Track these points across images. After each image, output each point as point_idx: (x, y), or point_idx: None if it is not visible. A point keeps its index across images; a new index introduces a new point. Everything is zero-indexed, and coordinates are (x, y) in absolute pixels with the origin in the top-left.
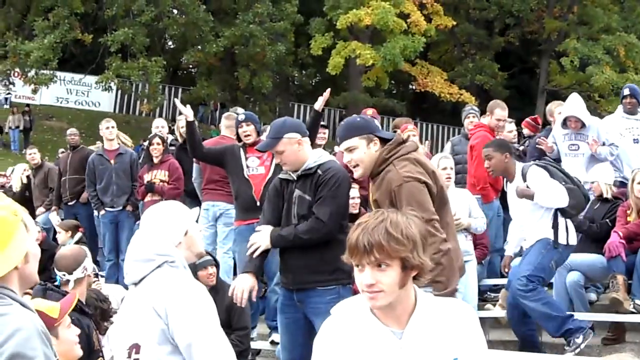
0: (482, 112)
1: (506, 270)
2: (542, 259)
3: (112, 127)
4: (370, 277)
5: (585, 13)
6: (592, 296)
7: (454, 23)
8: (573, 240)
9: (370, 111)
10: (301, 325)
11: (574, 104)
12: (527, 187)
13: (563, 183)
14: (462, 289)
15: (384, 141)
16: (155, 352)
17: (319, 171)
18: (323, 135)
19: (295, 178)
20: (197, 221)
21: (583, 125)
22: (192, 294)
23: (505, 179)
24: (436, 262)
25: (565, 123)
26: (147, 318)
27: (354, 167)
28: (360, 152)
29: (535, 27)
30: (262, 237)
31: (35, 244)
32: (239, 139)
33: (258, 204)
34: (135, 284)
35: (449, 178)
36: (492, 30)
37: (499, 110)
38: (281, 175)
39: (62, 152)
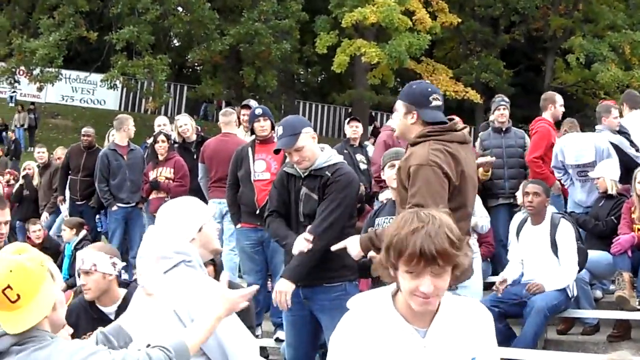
0: (487, 109)
1: (499, 294)
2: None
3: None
4: (430, 284)
5: (591, 10)
6: (598, 293)
7: (459, 20)
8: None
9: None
10: (307, 322)
11: (579, 152)
12: (555, 242)
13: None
14: (469, 285)
15: (428, 123)
16: None
17: (328, 173)
18: (356, 129)
19: (302, 175)
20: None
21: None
22: (213, 295)
23: (530, 219)
24: None
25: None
26: (166, 321)
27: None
28: (397, 117)
29: (541, 24)
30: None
31: (61, 292)
32: (253, 132)
33: (258, 211)
34: (150, 283)
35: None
36: (497, 27)
37: (559, 97)
38: (287, 169)
39: (73, 146)
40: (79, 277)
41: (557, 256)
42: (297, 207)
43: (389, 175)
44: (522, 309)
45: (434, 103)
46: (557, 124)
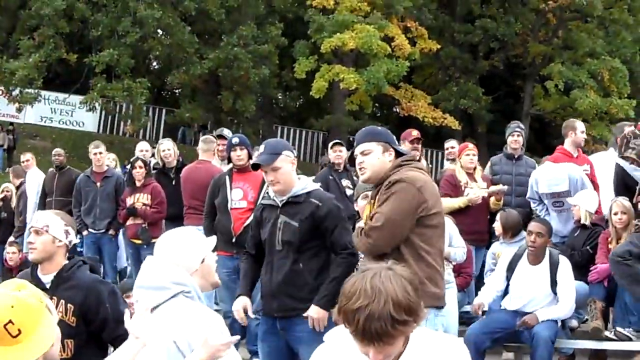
0: (465, 135)
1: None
2: None
3: (100, 152)
4: (377, 353)
5: (570, 37)
6: (574, 322)
7: (439, 46)
8: None
9: (415, 132)
10: (284, 354)
11: (552, 181)
12: (556, 281)
13: None
14: (445, 316)
15: (399, 155)
16: None
17: (314, 200)
18: (340, 153)
19: (280, 204)
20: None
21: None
22: (212, 325)
23: (526, 256)
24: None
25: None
26: (165, 351)
27: (361, 169)
28: (374, 157)
29: (520, 51)
30: (317, 314)
31: (57, 328)
32: (230, 161)
33: (234, 240)
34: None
35: None
36: (476, 54)
37: (579, 124)
38: (263, 201)
39: (47, 174)
40: (29, 235)
41: (554, 293)
42: (274, 235)
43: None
44: (514, 336)
45: (396, 140)
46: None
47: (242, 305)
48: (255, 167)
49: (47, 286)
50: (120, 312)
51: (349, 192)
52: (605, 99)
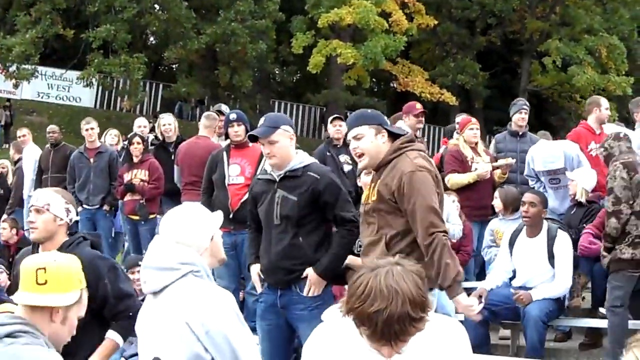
0: (462, 111)
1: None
2: None
3: (92, 128)
4: (391, 351)
5: (568, 14)
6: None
7: (436, 22)
8: None
9: (419, 105)
10: (283, 331)
11: (548, 158)
12: (553, 254)
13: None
14: (436, 294)
15: (392, 136)
16: None
17: (311, 173)
18: (339, 128)
19: (277, 179)
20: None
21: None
22: (225, 305)
23: (525, 230)
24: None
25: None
26: (177, 333)
27: (359, 156)
28: (367, 141)
29: (518, 27)
30: (314, 278)
31: (76, 319)
32: (227, 137)
33: (232, 216)
34: (155, 294)
35: None
36: (474, 29)
37: (604, 101)
38: (260, 176)
39: (43, 151)
40: (30, 214)
41: (552, 267)
42: (271, 210)
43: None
44: (514, 314)
45: (387, 121)
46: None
47: (256, 272)
48: (253, 139)
49: None
50: (121, 289)
51: (346, 167)
52: (603, 75)
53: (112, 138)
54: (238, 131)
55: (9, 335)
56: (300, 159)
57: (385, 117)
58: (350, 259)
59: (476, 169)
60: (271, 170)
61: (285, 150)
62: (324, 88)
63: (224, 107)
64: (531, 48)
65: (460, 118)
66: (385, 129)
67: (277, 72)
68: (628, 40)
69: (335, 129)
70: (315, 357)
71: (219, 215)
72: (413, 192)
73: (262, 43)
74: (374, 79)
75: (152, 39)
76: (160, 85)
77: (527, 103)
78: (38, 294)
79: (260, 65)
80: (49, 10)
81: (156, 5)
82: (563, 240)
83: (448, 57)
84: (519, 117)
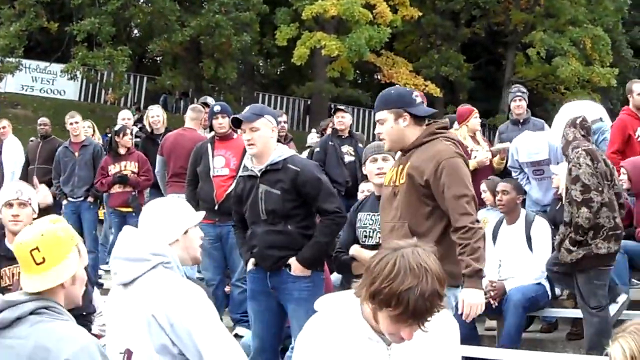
0: (446, 103)
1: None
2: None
3: (76, 122)
4: (411, 332)
5: (552, 5)
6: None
7: (420, 14)
8: None
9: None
10: (274, 313)
11: (532, 150)
12: (530, 237)
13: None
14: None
15: (418, 118)
16: None
17: (292, 166)
18: (342, 119)
19: (259, 174)
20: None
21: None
22: (192, 298)
23: (505, 219)
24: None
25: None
26: (144, 325)
27: (382, 139)
28: (387, 126)
29: (502, 18)
30: (296, 266)
31: (84, 271)
32: (211, 129)
33: (216, 207)
34: (125, 285)
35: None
36: (458, 21)
37: (636, 85)
38: (242, 173)
39: (32, 140)
40: (11, 207)
41: (532, 251)
42: (257, 205)
43: (371, 169)
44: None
45: (418, 100)
46: None
47: (253, 264)
48: (236, 123)
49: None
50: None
51: (347, 158)
52: (588, 67)
53: (85, 130)
54: (222, 123)
55: (33, 312)
56: (280, 152)
57: (414, 95)
58: (356, 250)
59: (475, 157)
60: (252, 166)
61: (265, 139)
62: (308, 80)
63: (210, 100)
64: (515, 39)
65: (460, 109)
66: (408, 111)
67: (261, 64)
68: (612, 32)
69: (338, 120)
70: (310, 349)
71: (199, 214)
72: (452, 178)
73: (246, 35)
74: (358, 71)
75: (136, 31)
76: (145, 78)
77: (522, 88)
78: (42, 275)
79: (244, 57)
80: (33, 3)
81: None
82: (540, 224)
83: (432, 49)
84: (515, 105)
